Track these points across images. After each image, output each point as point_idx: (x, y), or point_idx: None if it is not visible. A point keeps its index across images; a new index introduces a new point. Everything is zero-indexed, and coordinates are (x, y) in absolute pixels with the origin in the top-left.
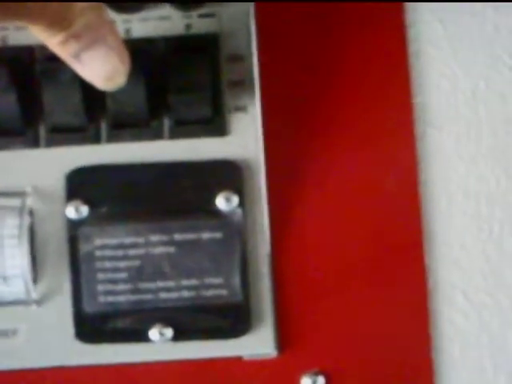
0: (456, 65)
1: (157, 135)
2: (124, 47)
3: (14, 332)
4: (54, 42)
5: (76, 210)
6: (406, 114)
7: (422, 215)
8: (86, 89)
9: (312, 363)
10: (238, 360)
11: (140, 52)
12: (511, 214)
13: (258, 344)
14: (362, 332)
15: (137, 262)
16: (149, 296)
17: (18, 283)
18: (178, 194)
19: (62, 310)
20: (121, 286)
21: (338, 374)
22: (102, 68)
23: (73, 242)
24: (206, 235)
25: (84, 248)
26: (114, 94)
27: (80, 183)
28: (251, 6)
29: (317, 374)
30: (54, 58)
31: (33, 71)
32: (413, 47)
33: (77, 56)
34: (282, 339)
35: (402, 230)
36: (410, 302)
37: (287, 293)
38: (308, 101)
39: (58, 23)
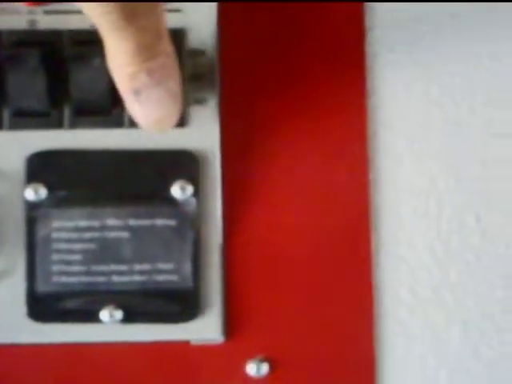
0: (411, 68)
1: (117, 123)
2: (181, 95)
3: None
4: (126, 70)
5: (35, 193)
6: (359, 114)
7: (371, 212)
8: (51, 75)
9: (257, 350)
10: (185, 344)
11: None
12: (459, 214)
13: (205, 329)
14: (306, 323)
15: (91, 245)
16: (101, 278)
17: None
18: (135, 181)
19: (15, 288)
20: (75, 268)
21: (282, 361)
22: (155, 110)
23: (30, 223)
24: (159, 222)
25: (41, 229)
26: (78, 82)
27: (40, 166)
28: (215, 3)
29: (261, 360)
30: (19, 44)
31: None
32: (370, 50)
33: (138, 93)
34: (229, 326)
35: (350, 226)
36: (355, 296)
37: (236, 282)
38: (266, 96)
39: (146, 50)
